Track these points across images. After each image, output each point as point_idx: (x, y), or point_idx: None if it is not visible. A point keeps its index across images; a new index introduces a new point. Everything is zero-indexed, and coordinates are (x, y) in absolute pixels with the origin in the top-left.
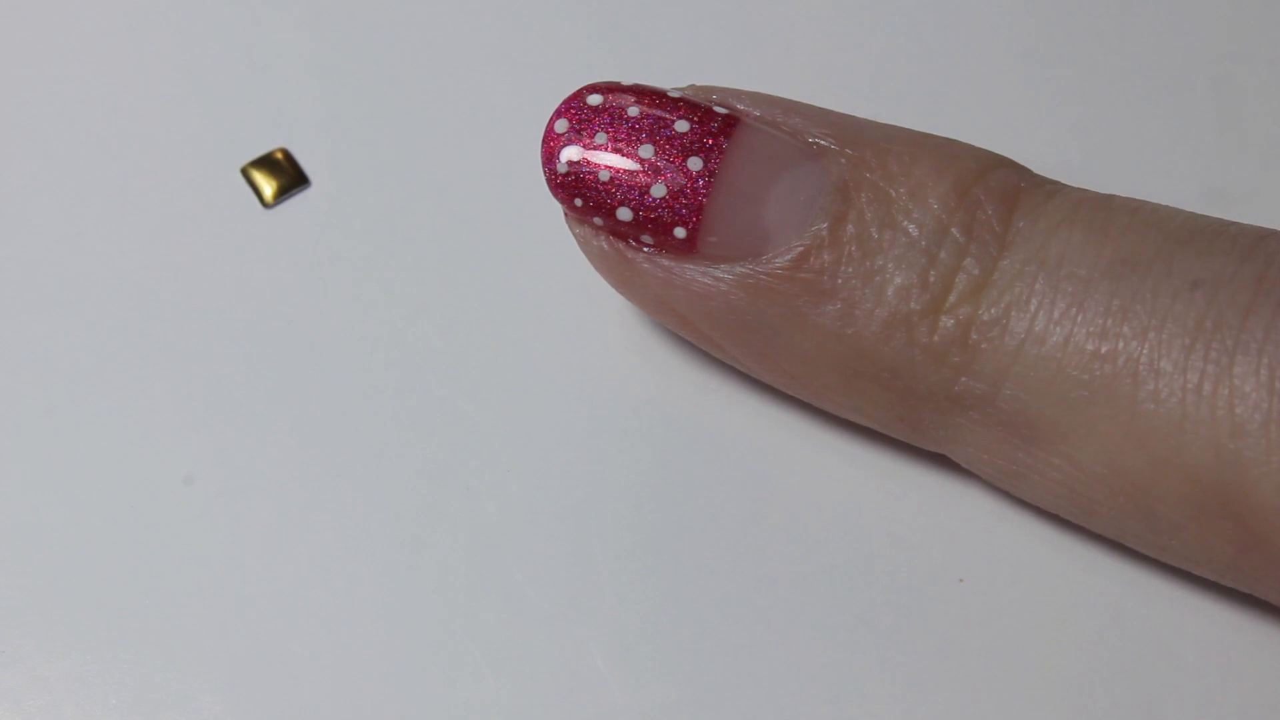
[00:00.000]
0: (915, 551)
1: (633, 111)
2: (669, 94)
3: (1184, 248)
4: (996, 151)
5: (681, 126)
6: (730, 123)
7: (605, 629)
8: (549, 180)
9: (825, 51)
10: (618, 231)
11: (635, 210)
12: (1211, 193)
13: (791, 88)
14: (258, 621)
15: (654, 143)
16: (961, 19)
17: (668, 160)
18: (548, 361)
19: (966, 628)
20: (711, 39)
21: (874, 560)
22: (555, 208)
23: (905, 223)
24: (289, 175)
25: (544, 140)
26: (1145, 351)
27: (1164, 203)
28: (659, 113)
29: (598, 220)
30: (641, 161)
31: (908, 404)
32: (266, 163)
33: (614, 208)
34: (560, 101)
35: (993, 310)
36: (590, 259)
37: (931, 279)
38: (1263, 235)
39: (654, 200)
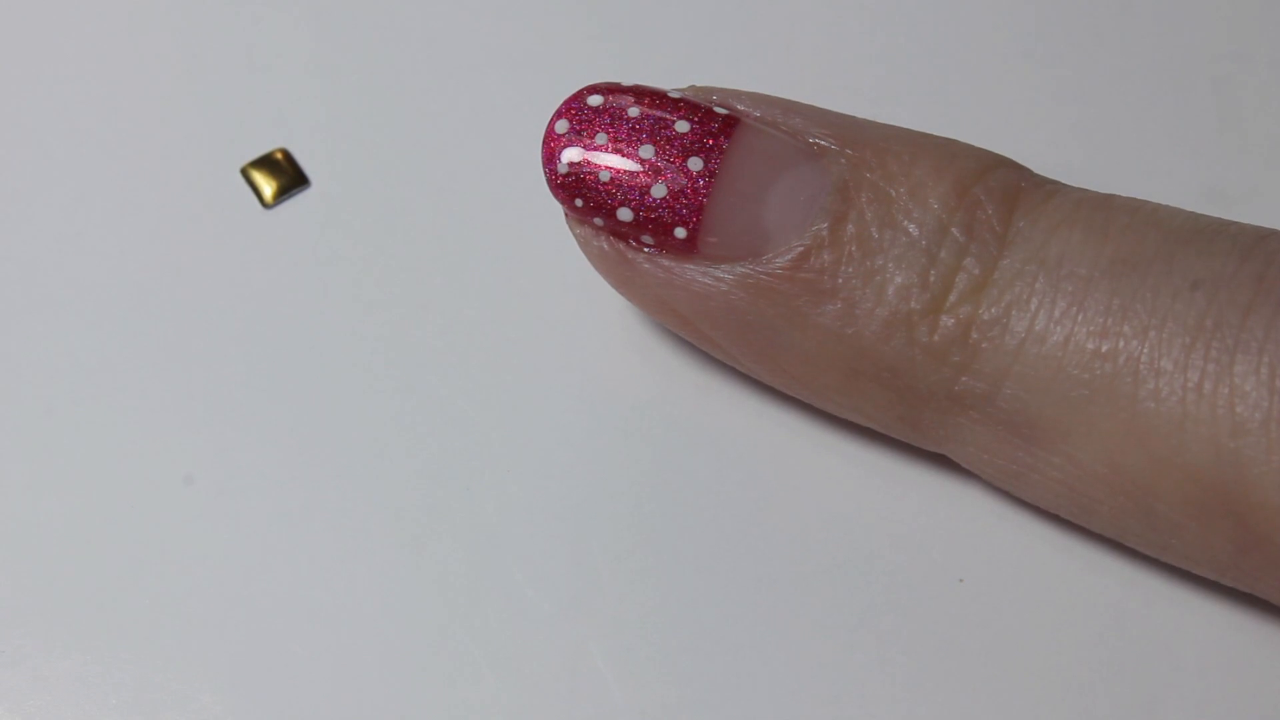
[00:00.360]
0: (915, 551)
1: (633, 112)
2: (669, 94)
3: (1184, 247)
4: (996, 151)
5: (682, 127)
6: (730, 123)
7: (605, 629)
8: (549, 181)
9: (825, 52)
10: (618, 232)
11: (636, 210)
12: (1211, 193)
13: (791, 88)
14: (258, 621)
15: (654, 143)
16: (961, 19)
17: (668, 160)
18: (548, 361)
19: (966, 628)
20: (712, 40)
21: (874, 560)
22: (555, 208)
23: (905, 222)
24: (289, 175)
25: (544, 141)
26: (1146, 350)
27: (1164, 203)
28: (659, 113)
29: (598, 221)
30: (642, 162)
31: (908, 403)
32: (266, 163)
33: (614, 208)
34: (560, 102)
35: (993, 309)
36: (590, 259)
37: (932, 278)
38: (1263, 235)
39: (654, 200)
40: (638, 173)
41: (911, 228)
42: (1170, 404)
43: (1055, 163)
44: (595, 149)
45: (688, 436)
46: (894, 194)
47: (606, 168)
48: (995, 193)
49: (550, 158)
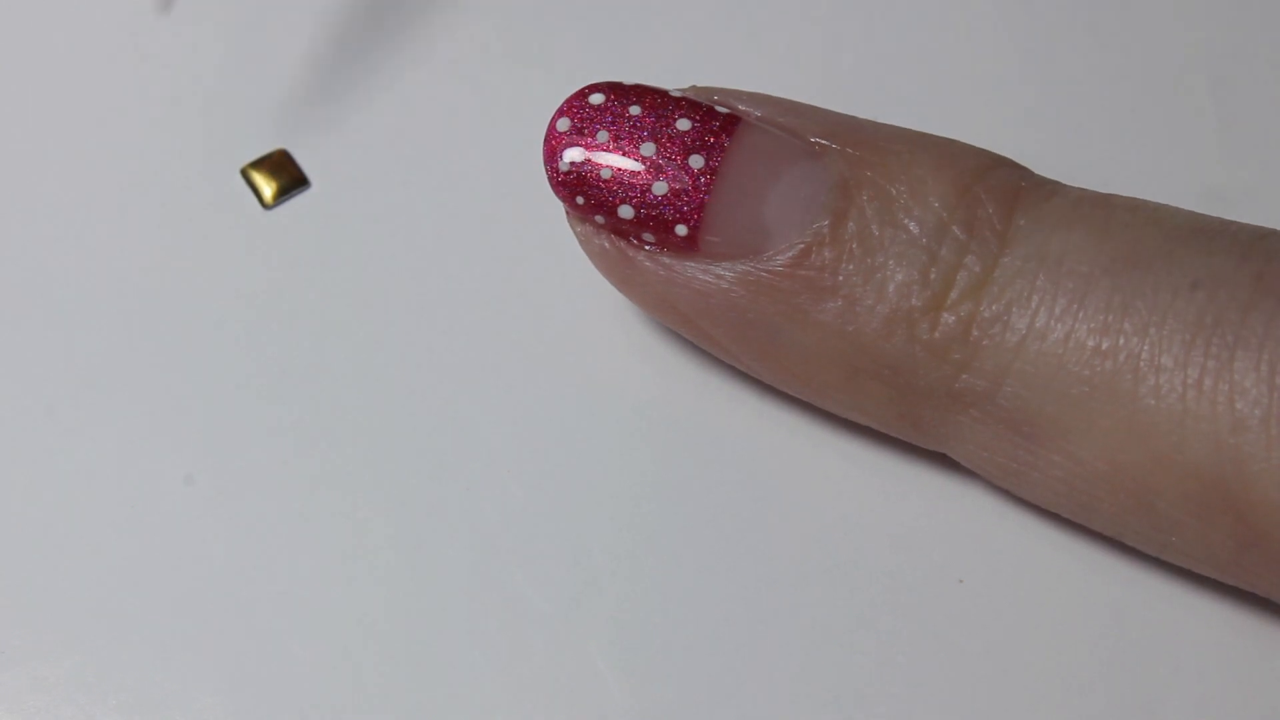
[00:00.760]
0: (915, 552)
1: (634, 110)
2: (671, 94)
3: (1184, 246)
4: (996, 151)
5: (683, 125)
6: (732, 122)
7: (605, 629)
8: (551, 178)
9: (826, 52)
10: (619, 230)
11: (637, 208)
12: (1211, 193)
13: (792, 88)
14: (258, 621)
15: (655, 141)
16: (962, 19)
17: (669, 158)
18: (548, 361)
19: (966, 628)
20: (712, 40)
21: (874, 560)
22: (556, 207)
23: (906, 220)
24: (289, 176)
25: (546, 139)
26: (1146, 348)
27: (1164, 201)
28: (660, 112)
29: (599, 218)
30: (643, 160)
31: (908, 401)
32: (266, 163)
33: (615, 206)
34: (562, 100)
35: (994, 307)
36: (591, 257)
37: (932, 276)
38: (1262, 234)
39: (655, 198)
40: (639, 171)
41: (912, 225)
42: (1170, 401)
43: (1055, 163)
44: (597, 147)
45: (688, 436)
46: (894, 192)
47: (608, 166)
48: (996, 191)
49: (551, 156)
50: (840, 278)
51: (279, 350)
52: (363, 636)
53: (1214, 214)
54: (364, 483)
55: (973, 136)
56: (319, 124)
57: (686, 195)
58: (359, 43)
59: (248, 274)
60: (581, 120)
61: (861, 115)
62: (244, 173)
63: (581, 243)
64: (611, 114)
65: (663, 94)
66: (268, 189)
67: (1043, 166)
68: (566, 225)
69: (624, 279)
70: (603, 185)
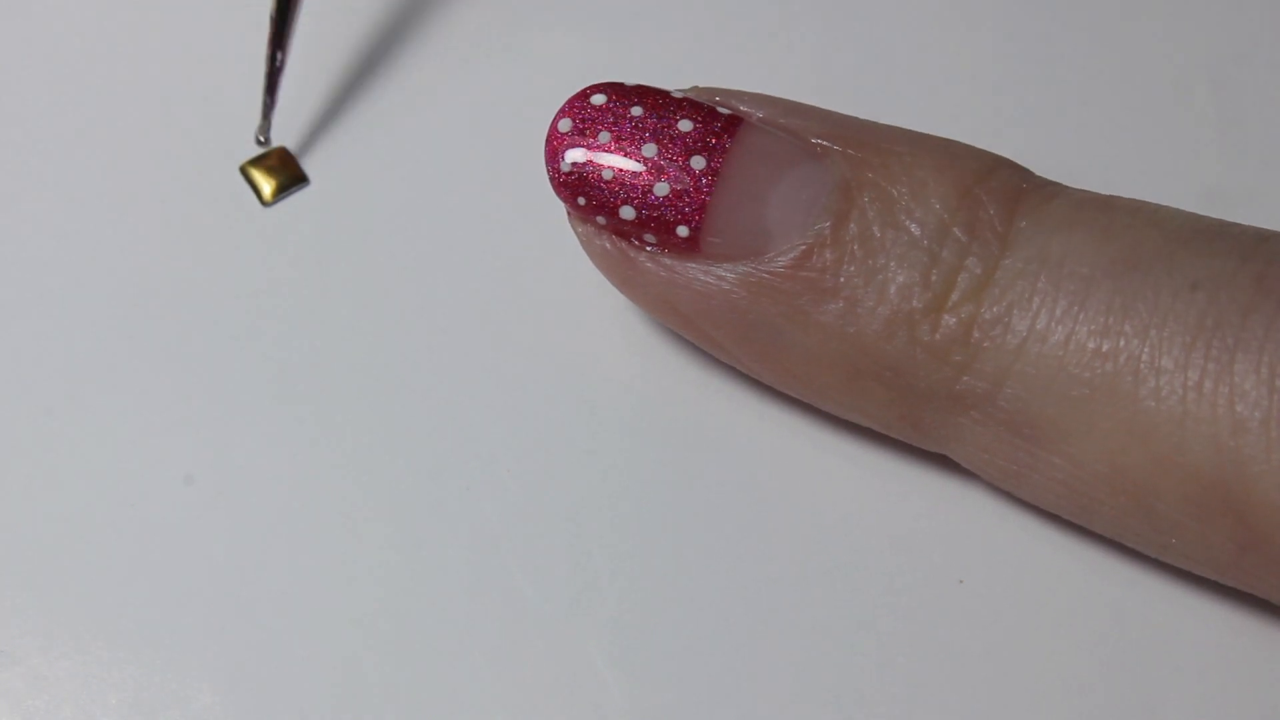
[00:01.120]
0: (915, 553)
1: (636, 111)
2: (672, 95)
3: (1185, 248)
4: (998, 153)
5: (685, 126)
6: (733, 123)
7: (605, 629)
8: (552, 179)
9: (827, 53)
10: (620, 231)
11: (638, 209)
12: (1211, 193)
13: (793, 89)
14: (258, 621)
15: (657, 142)
16: (962, 19)
17: (671, 159)
18: (549, 361)
19: (967, 629)
20: (713, 41)
21: (874, 561)
22: (557, 207)
23: (907, 222)
24: (288, 173)
25: (548, 139)
26: (1146, 350)
27: (1164, 203)
28: (662, 112)
29: (601, 219)
30: (645, 160)
31: (909, 403)
32: (266, 161)
33: (617, 206)
34: (564, 101)
35: (995, 309)
36: (593, 258)
37: (934, 278)
38: (1263, 236)
39: (657, 199)
40: (640, 171)
41: (913, 227)
42: (1171, 403)
43: (1056, 163)
44: (598, 148)
45: (688, 436)
46: (896, 194)
47: (609, 166)
48: (997, 193)
49: (553, 156)
50: (841, 279)
51: (279, 348)
52: (362, 636)
53: (1214, 215)
54: (364, 482)
55: (974, 137)
56: (319, 123)
57: (688, 196)
58: (359, 41)
59: (247, 271)
60: (583, 121)
61: (862, 116)
62: (243, 170)
63: (583, 243)
64: (613, 115)
65: (664, 95)
66: (267, 186)
67: (1044, 168)
68: (568, 226)
69: (625, 280)
70: (604, 186)
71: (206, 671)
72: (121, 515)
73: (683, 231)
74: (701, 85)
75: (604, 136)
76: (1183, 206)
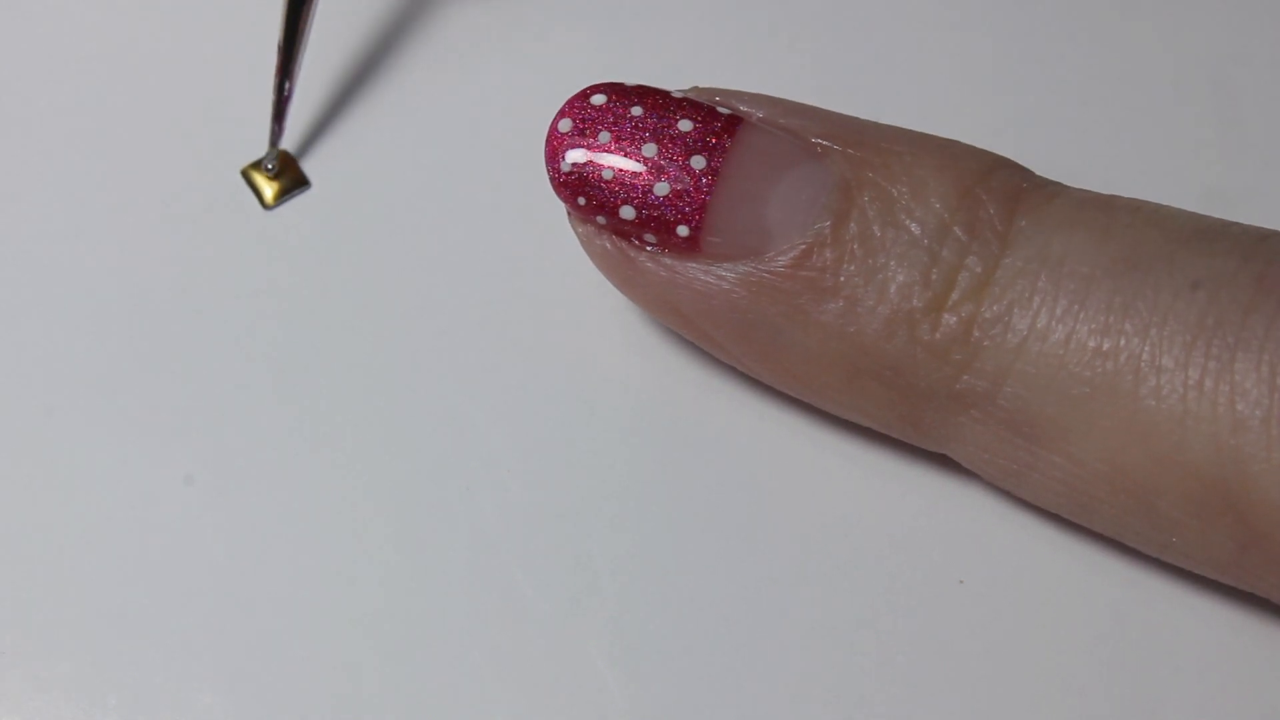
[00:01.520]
0: (915, 552)
1: (636, 111)
2: (672, 95)
3: (1185, 247)
4: (998, 152)
5: (685, 126)
6: (733, 122)
7: (605, 629)
8: (552, 179)
9: (826, 53)
10: (621, 230)
11: (638, 209)
12: (1211, 193)
13: (793, 89)
14: (258, 621)
15: (657, 142)
16: (962, 19)
17: (671, 159)
18: (548, 361)
19: (967, 629)
20: (713, 41)
21: (874, 561)
22: (556, 207)
23: (907, 221)
24: (289, 177)
25: (547, 140)
26: (1147, 349)
27: (1164, 203)
28: (662, 112)
29: (601, 219)
30: (645, 160)
31: (909, 402)
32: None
33: (617, 206)
34: (564, 101)
35: (995, 308)
36: (593, 258)
37: (934, 277)
38: (1264, 236)
39: (657, 199)
40: (640, 171)
41: (913, 226)
42: (1171, 401)
43: (1056, 163)
44: (598, 148)
45: (688, 436)
46: (896, 193)
47: (609, 166)
48: (997, 193)
49: (553, 156)
50: (841, 279)
51: (279, 350)
52: (363, 636)
53: (1215, 215)
54: (364, 482)
55: (974, 137)
56: (319, 124)
57: (688, 196)
58: (359, 44)
59: (248, 274)
60: (583, 121)
61: (862, 115)
62: (244, 174)
63: (583, 243)
64: (613, 115)
65: (664, 95)
66: (268, 190)
67: (1044, 167)
68: (568, 226)
69: (625, 280)
70: (604, 186)
71: (206, 672)
72: (121, 515)
73: (683, 231)
74: (701, 85)
75: (604, 136)
76: (1183, 206)
